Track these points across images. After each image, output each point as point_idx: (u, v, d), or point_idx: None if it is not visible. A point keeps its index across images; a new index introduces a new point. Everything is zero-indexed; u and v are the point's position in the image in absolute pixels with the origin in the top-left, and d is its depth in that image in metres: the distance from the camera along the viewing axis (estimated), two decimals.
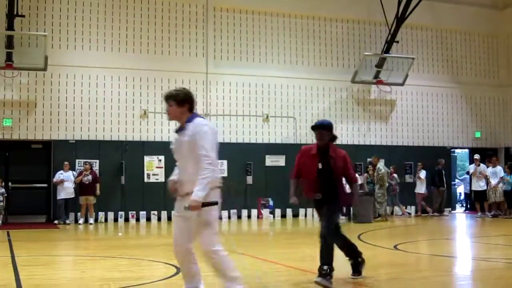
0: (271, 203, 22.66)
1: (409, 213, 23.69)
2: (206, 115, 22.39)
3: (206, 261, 6.15)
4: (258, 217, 22.52)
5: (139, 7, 22.41)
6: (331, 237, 8.00)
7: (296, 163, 8.42)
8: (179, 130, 6.32)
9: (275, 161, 22.86)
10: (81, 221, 20.27)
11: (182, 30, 22.82)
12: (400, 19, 23.61)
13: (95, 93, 21.69)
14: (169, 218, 21.31)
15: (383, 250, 12.56)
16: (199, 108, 22.29)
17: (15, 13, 19.99)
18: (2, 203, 19.73)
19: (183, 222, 6.24)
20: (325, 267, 7.74)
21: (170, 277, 8.59)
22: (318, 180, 8.07)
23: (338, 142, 24.81)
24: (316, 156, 8.16)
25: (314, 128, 8.25)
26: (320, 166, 8.07)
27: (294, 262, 10.66)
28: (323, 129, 8.21)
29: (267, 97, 23.71)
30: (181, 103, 6.34)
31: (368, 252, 12.34)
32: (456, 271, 10.37)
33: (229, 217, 22.00)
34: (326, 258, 7.81)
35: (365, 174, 22.14)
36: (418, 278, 8.95)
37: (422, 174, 23.51)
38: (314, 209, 8.46)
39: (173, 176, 6.41)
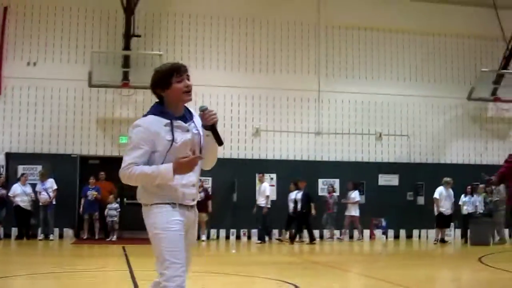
0: (383, 223, 22.19)
1: None
2: (318, 134, 22.27)
3: None
4: (370, 238, 22.07)
5: (251, 25, 22.59)
6: None
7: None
8: (182, 118, 4.66)
9: (388, 180, 22.38)
10: None
11: (294, 48, 22.80)
12: None
13: None
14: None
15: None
16: (311, 126, 22.17)
17: (131, 33, 20.57)
18: (116, 218, 20.13)
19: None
20: None
21: None
22: None
23: (453, 161, 23.74)
24: None
25: None
26: None
27: (414, 284, 10.37)
28: None
29: (380, 115, 23.25)
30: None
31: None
32: None
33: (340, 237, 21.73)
34: None
35: (483, 194, 21.31)
36: None
37: None
38: None
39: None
